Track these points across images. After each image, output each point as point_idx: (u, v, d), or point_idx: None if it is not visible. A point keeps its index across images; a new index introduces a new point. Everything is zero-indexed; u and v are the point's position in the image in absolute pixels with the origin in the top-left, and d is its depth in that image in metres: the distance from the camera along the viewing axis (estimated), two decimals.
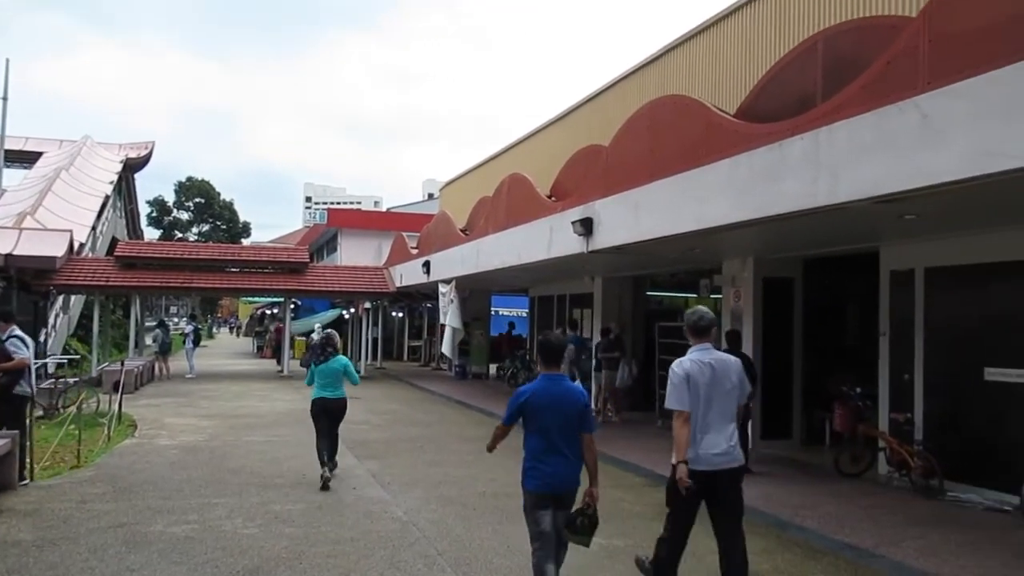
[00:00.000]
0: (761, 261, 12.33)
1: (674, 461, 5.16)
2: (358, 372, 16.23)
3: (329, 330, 10.39)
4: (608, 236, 11.46)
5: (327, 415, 9.42)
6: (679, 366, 5.23)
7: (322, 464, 9.20)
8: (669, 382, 5.24)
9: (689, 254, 12.34)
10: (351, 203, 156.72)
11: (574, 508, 5.12)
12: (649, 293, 18.67)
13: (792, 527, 7.67)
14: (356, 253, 37.49)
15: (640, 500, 8.70)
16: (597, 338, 16.62)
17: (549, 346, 5.27)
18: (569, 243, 12.44)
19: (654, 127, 10.62)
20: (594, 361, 16.22)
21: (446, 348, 20.59)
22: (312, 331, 22.04)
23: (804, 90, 8.67)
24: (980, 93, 5.94)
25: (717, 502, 5.25)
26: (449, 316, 19.30)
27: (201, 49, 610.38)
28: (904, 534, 7.40)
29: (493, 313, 28.85)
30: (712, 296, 15.01)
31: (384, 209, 68.89)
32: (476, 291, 25.68)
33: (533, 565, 5.08)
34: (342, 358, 9.62)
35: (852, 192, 6.96)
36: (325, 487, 8.92)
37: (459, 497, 8.66)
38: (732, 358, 5.39)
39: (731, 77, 12.72)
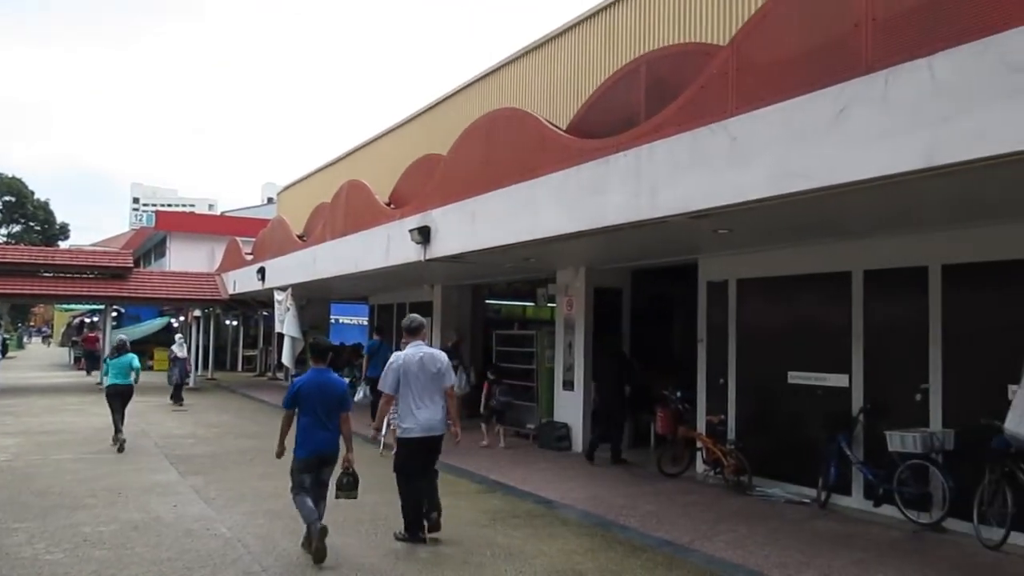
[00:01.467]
0: (592, 271, 12.82)
1: (374, 427, 7.87)
2: (187, 384, 15.42)
3: (122, 336, 13.81)
4: (445, 245, 11.53)
5: (119, 397, 12.51)
6: (395, 359, 7.19)
7: (117, 431, 12.37)
8: (386, 368, 7.17)
9: (525, 264, 12.64)
10: (183, 205, 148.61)
11: (339, 473, 6.85)
12: (488, 301, 18.94)
13: (615, 526, 7.99)
14: (187, 259, 35.59)
15: (474, 507, 8.78)
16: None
17: (318, 347, 7.14)
18: (407, 251, 12.43)
19: (490, 138, 10.81)
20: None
21: (285, 358, 19.94)
22: (174, 342, 20.91)
23: (629, 109, 9.12)
24: (781, 119, 6.46)
25: (430, 459, 7.26)
26: (286, 324, 18.71)
27: (10, 31, 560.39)
28: (716, 528, 7.89)
29: (333, 321, 28.25)
30: (549, 305, 15.43)
31: (219, 212, 65.87)
32: (315, 299, 25.07)
33: (293, 500, 6.79)
34: (131, 355, 12.60)
35: (670, 207, 7.38)
36: (121, 449, 12.12)
37: (289, 511, 8.34)
38: (440, 352, 7.35)
39: (564, 93, 13.17)
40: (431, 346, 7.60)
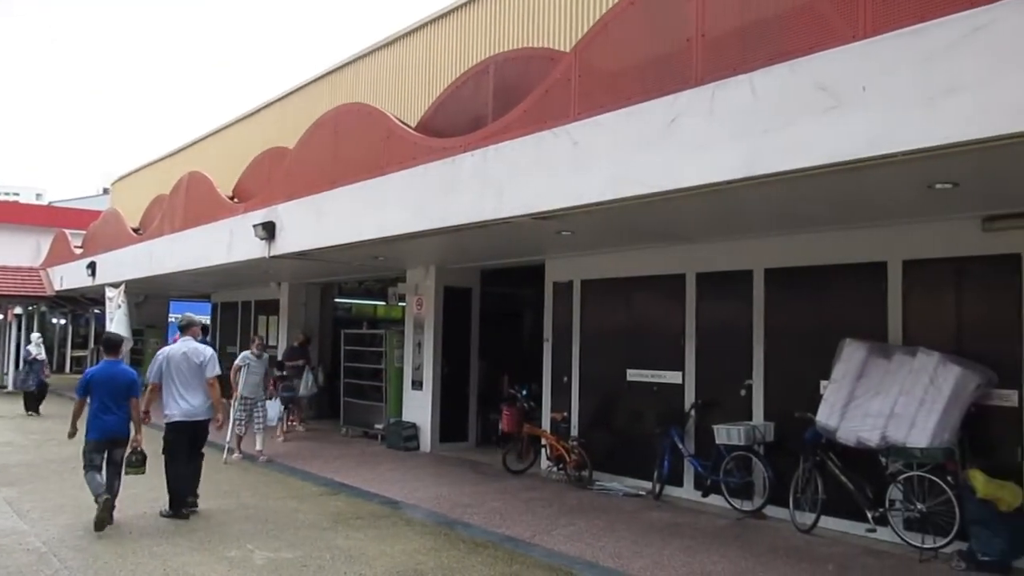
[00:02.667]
0: (443, 271, 12.82)
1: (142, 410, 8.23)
2: (4, 387, 14.45)
3: None
4: (291, 241, 11.21)
5: None
6: (162, 352, 8.39)
7: None
8: (152, 360, 8.39)
9: (374, 262, 12.47)
10: (6, 194, 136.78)
11: (128, 451, 7.78)
12: (338, 300, 18.57)
13: (460, 524, 8.02)
14: (8, 252, 32.69)
15: (316, 509, 8.58)
16: (285, 346, 16.20)
17: (109, 341, 8.45)
18: (251, 247, 11.97)
19: (339, 133, 10.61)
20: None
21: None
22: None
23: (478, 110, 9.19)
24: (619, 125, 6.69)
25: (194, 442, 8.26)
26: (115, 323, 17.55)
27: None
28: (557, 523, 8.08)
29: (172, 320, 26.79)
30: (400, 304, 15.31)
31: (46, 202, 61.06)
32: (153, 296, 23.72)
33: (85, 477, 7.65)
34: None
35: (514, 208, 7.49)
36: None
37: (114, 520, 7.89)
38: (205, 348, 8.44)
39: (416, 91, 13.11)
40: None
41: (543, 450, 10.76)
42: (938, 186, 5.85)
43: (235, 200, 14.06)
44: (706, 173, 6.01)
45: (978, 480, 6.38)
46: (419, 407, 12.92)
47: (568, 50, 7.97)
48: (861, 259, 7.78)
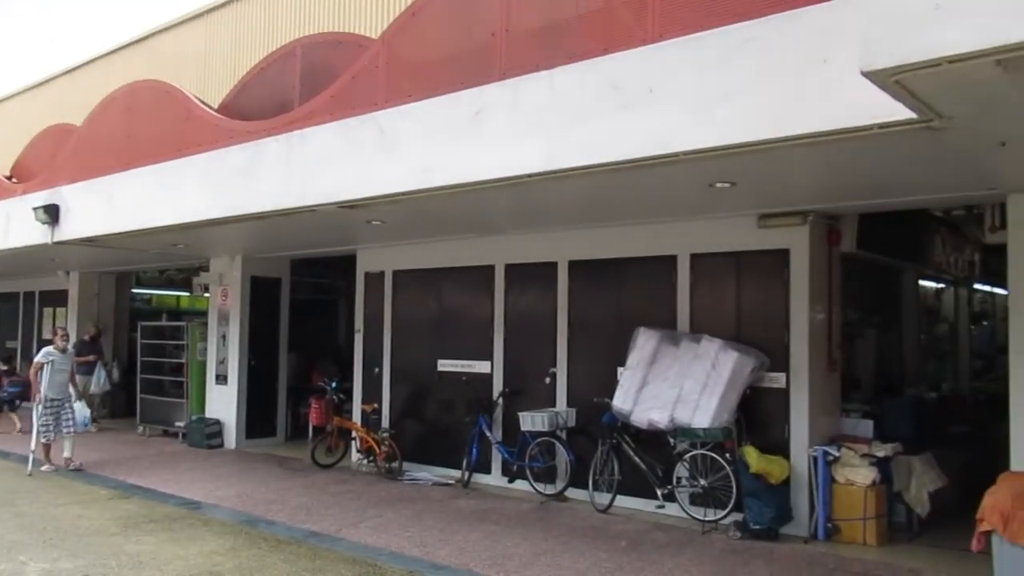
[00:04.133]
0: (249, 260, 12.30)
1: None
2: None
3: None
4: (78, 226, 10.36)
5: None
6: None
7: None
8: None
9: (174, 250, 11.78)
10: None
11: None
12: (136, 291, 17.37)
13: (262, 522, 7.75)
14: None
15: (103, 515, 7.99)
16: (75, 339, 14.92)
17: None
18: (31, 232, 10.95)
19: (132, 111, 9.92)
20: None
21: None
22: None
23: (284, 93, 8.88)
24: (426, 115, 6.71)
25: None
26: None
27: None
28: (364, 515, 8.00)
29: None
30: (206, 295, 14.53)
31: None
32: None
33: None
34: None
35: (320, 196, 7.33)
36: None
37: None
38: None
39: (220, 70, 12.46)
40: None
41: (353, 443, 10.61)
42: (718, 185, 6.31)
43: (14, 180, 12.80)
44: (510, 166, 6.16)
45: (751, 456, 6.97)
46: (224, 402, 12.33)
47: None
48: (655, 252, 8.25)
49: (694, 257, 7.99)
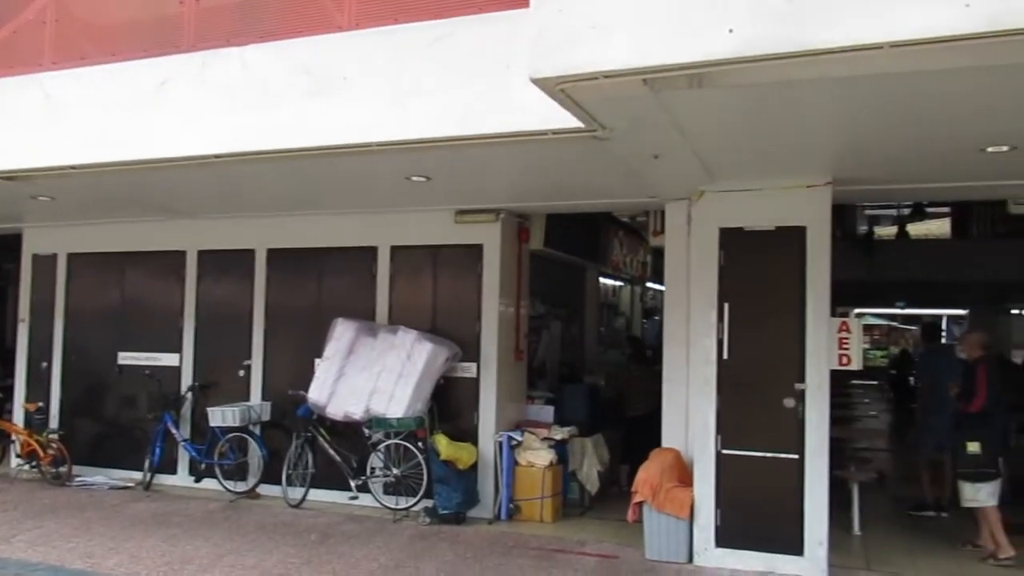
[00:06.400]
0: None
1: None
2: None
3: None
4: None
5: None
6: None
7: None
8: None
9: None
10: None
11: None
12: None
13: None
14: None
15: None
16: None
17: None
18: None
19: None
20: None
21: None
22: None
23: None
24: (103, 82, 6.11)
25: None
26: None
27: None
28: (21, 527, 7.09)
29: None
30: None
31: None
32: None
33: None
34: None
35: None
36: None
37: None
38: None
39: None
40: None
41: (12, 446, 9.37)
42: (414, 179, 6.43)
43: None
44: (196, 145, 5.81)
45: (442, 443, 7.20)
46: None
47: None
48: (356, 243, 8.21)
49: (394, 249, 8.07)
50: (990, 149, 4.88)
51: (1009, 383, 7.98)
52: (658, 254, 11.55)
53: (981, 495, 6.28)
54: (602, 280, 12.22)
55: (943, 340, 16.17)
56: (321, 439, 7.82)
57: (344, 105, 5.28)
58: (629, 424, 8.49)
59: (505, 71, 4.81)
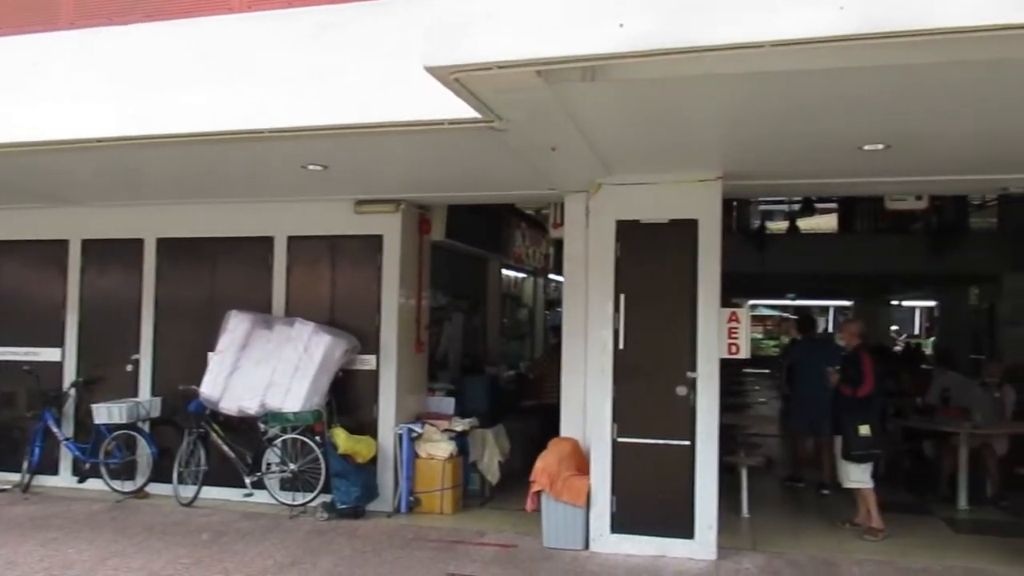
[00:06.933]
0: None
1: None
2: None
3: None
4: None
5: None
6: None
7: None
8: None
9: None
10: None
11: None
12: None
13: None
14: None
15: None
16: None
17: None
18: None
19: None
20: None
21: None
22: None
23: None
24: None
25: None
26: None
27: None
28: None
29: None
30: None
31: None
32: None
33: None
34: None
35: None
36: None
37: None
38: None
39: None
40: None
41: None
42: (311, 167, 6.28)
43: None
44: (76, 128, 5.51)
45: (340, 437, 7.09)
46: None
47: None
48: (252, 233, 7.98)
49: (291, 239, 7.88)
50: (867, 147, 5.14)
51: (884, 370, 8.46)
52: (559, 246, 11.69)
53: (865, 476, 6.64)
54: (505, 272, 12.27)
55: (819, 330, 17.02)
56: (214, 435, 7.58)
57: (235, 90, 5.12)
58: (547, 411, 8.54)
59: (403, 59, 4.73)
